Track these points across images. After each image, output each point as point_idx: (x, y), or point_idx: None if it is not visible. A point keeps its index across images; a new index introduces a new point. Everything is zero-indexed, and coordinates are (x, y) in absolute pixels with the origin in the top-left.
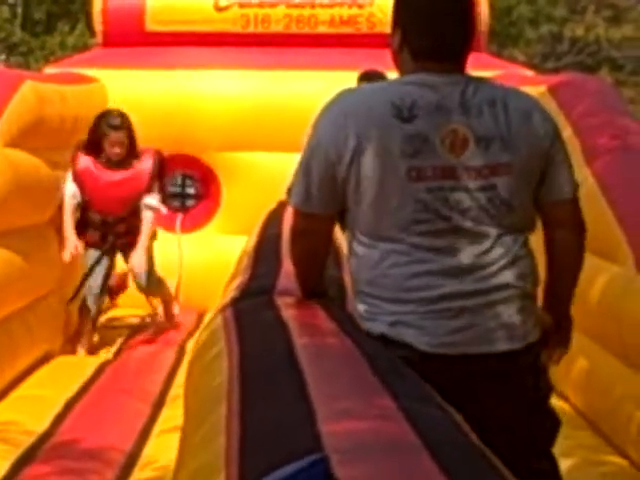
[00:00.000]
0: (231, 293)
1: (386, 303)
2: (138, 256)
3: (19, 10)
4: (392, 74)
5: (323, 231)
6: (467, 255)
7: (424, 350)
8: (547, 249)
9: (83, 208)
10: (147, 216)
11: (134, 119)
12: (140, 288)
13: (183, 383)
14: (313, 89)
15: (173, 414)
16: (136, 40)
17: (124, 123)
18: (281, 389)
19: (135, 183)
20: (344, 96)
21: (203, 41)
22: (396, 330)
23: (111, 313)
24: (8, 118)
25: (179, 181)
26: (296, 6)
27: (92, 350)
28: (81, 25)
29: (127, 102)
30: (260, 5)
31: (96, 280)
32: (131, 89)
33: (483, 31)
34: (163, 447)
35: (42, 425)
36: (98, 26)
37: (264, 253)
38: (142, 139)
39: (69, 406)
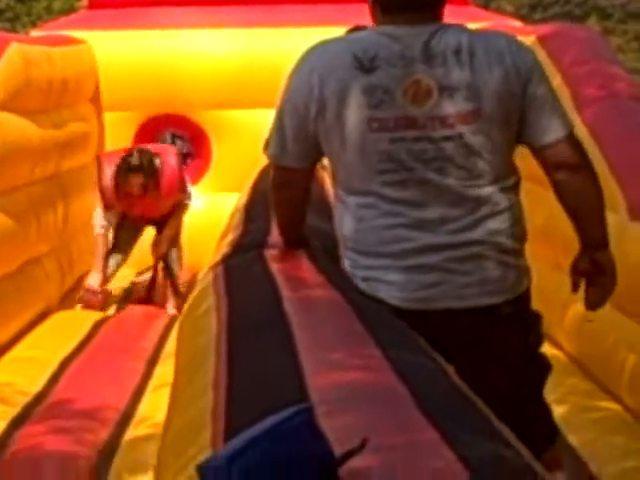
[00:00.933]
0: (222, 250)
1: (362, 257)
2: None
3: None
4: None
5: (300, 183)
6: (435, 208)
7: (396, 305)
8: (555, 194)
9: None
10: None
11: (122, 80)
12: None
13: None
14: (301, 45)
15: (167, 371)
16: (122, 1)
17: (141, 170)
18: (268, 342)
19: (166, 187)
20: (312, 50)
21: (189, 0)
22: (369, 285)
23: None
24: None
25: (169, 140)
26: None
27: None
28: None
29: (114, 63)
30: None
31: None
32: (118, 50)
33: None
34: (157, 404)
35: (37, 386)
36: None
37: (255, 209)
38: (130, 99)
39: (64, 366)
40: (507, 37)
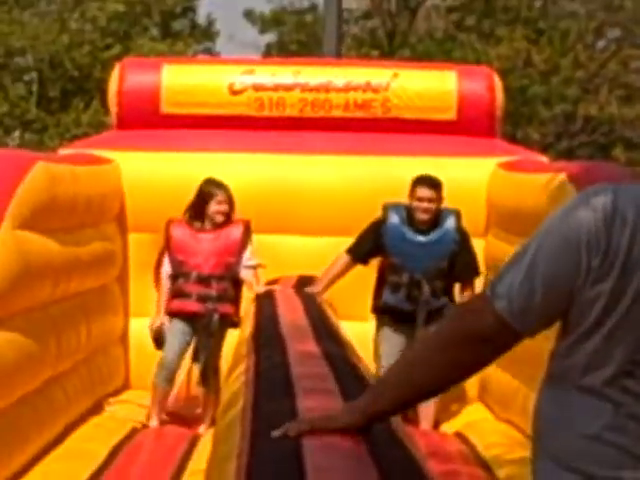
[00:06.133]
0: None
1: None
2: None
3: (34, 87)
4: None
5: (504, 349)
6: None
7: None
8: None
9: (176, 276)
10: (248, 274)
11: (147, 201)
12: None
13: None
14: (327, 173)
15: None
16: (151, 122)
17: (226, 186)
18: None
19: (227, 241)
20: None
21: (218, 124)
22: None
23: None
24: (19, 200)
25: None
26: (311, 90)
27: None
28: (96, 102)
29: (141, 184)
30: (275, 89)
31: (174, 354)
32: (145, 171)
33: (498, 116)
34: None
35: None
36: (113, 108)
37: (263, 338)
38: (154, 220)
39: None
40: None
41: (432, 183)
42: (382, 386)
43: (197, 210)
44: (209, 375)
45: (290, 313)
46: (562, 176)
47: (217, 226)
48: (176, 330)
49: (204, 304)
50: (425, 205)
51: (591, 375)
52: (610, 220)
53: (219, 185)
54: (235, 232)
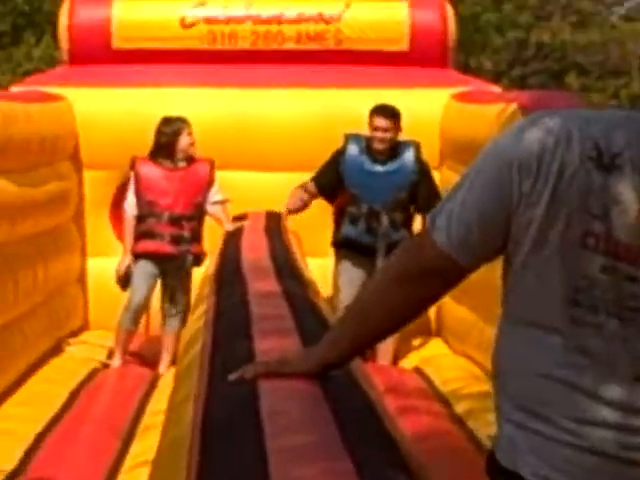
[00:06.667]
0: (198, 322)
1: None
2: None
3: None
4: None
5: (453, 282)
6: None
7: None
8: None
9: (143, 216)
10: (217, 210)
11: (101, 138)
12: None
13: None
14: (281, 107)
15: (143, 447)
16: (102, 57)
17: (188, 120)
18: (241, 450)
19: (195, 180)
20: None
21: (170, 58)
22: None
23: None
24: None
25: None
26: (263, 22)
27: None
28: (47, 37)
29: (94, 121)
30: (227, 21)
31: (142, 296)
32: (98, 108)
33: (451, 46)
34: None
35: (12, 462)
36: (64, 44)
37: (225, 277)
38: (109, 157)
39: (39, 441)
40: None
41: (388, 112)
42: (337, 332)
43: (167, 148)
44: (178, 314)
45: (254, 251)
46: (513, 106)
47: (189, 162)
48: (144, 272)
49: (177, 246)
50: (380, 134)
51: (537, 308)
52: (557, 142)
53: (182, 120)
54: (202, 170)
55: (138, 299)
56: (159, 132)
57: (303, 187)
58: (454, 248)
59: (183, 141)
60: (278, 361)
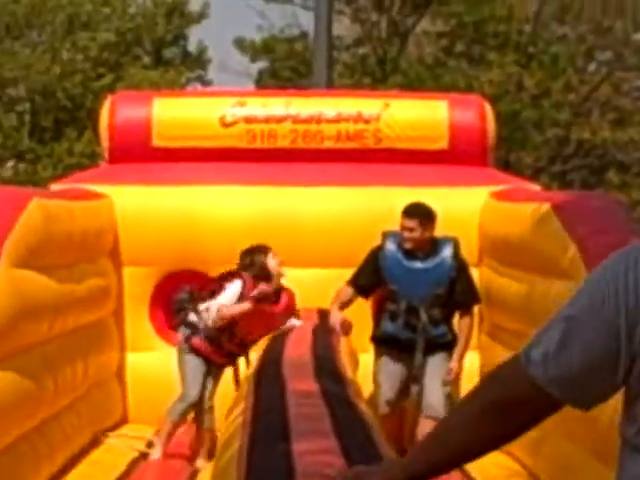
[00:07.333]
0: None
1: None
2: None
3: (27, 118)
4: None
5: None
6: None
7: None
8: None
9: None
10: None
11: (141, 235)
12: None
13: None
14: (320, 205)
15: None
16: (143, 155)
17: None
18: None
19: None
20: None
21: (210, 156)
22: None
23: None
24: (15, 238)
25: (187, 295)
26: (302, 121)
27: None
28: (88, 132)
29: (134, 218)
30: (266, 120)
31: (198, 391)
32: (138, 205)
33: (490, 145)
34: None
35: None
36: (104, 142)
37: (265, 377)
38: (148, 255)
39: None
40: None
41: (414, 213)
42: (421, 448)
43: (262, 273)
44: (206, 412)
45: (296, 350)
46: (547, 206)
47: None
48: (198, 369)
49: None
50: (407, 234)
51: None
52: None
53: (261, 248)
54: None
55: (195, 393)
56: (245, 260)
57: (339, 299)
58: (551, 382)
59: (270, 263)
60: (360, 472)
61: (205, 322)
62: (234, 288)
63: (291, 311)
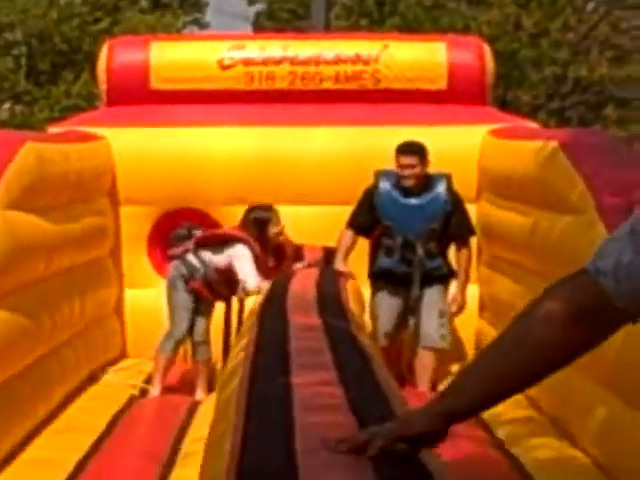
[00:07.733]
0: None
1: None
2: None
3: (23, 61)
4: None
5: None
6: None
7: None
8: None
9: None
10: None
11: (139, 175)
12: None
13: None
14: (318, 145)
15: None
16: (141, 98)
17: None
18: None
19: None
20: None
21: (208, 99)
22: None
23: None
24: (7, 181)
25: (186, 232)
26: (300, 63)
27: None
28: (85, 74)
29: (132, 159)
30: (264, 63)
31: (185, 327)
32: (136, 146)
33: (488, 85)
34: None
35: None
36: (102, 85)
37: (269, 311)
38: (148, 195)
39: (78, 470)
40: None
41: (411, 150)
42: (468, 378)
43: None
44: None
45: (301, 286)
46: (554, 143)
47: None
48: (187, 304)
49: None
50: (407, 172)
51: None
52: None
53: (266, 208)
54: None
55: (182, 329)
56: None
57: (342, 247)
58: (621, 292)
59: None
60: (397, 426)
61: (242, 290)
62: (250, 261)
63: (296, 260)
